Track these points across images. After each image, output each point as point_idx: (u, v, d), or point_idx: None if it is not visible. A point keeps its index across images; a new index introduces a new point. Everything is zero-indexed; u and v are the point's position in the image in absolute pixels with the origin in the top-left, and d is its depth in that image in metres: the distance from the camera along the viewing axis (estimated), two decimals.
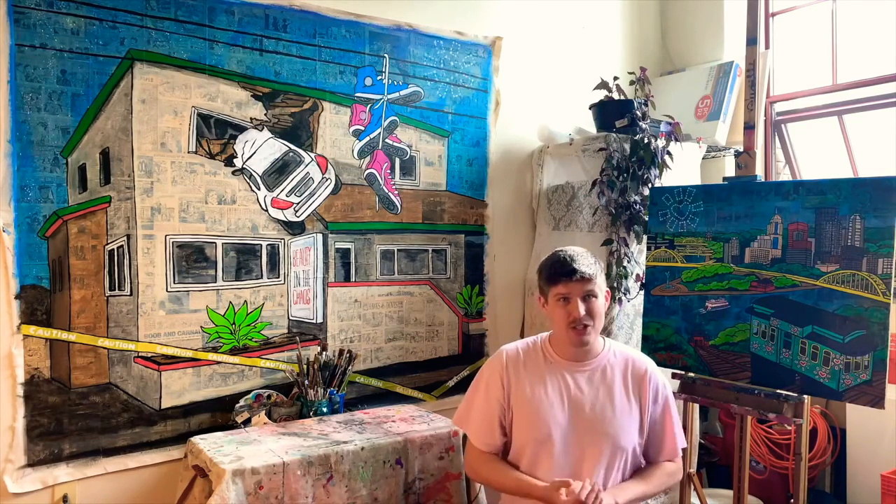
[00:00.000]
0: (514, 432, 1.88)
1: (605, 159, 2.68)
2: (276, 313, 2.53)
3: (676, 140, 2.80)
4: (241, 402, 2.42)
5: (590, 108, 2.92)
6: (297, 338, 2.56)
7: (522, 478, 1.81)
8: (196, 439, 2.20)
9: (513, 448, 1.89)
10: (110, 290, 2.23)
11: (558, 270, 1.80)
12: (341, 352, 2.57)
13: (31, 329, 2.11)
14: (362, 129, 2.69)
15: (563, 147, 2.96)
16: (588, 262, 1.81)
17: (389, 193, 2.77)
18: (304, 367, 2.46)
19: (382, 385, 2.77)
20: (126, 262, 2.25)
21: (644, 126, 2.70)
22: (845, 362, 1.91)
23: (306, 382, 2.46)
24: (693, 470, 2.42)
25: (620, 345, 1.98)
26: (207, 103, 2.37)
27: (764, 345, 2.09)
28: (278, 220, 2.53)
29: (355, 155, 2.68)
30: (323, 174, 2.61)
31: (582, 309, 1.78)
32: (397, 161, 2.78)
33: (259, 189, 2.48)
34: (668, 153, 2.73)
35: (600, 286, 1.83)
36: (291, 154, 2.54)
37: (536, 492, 1.75)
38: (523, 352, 1.93)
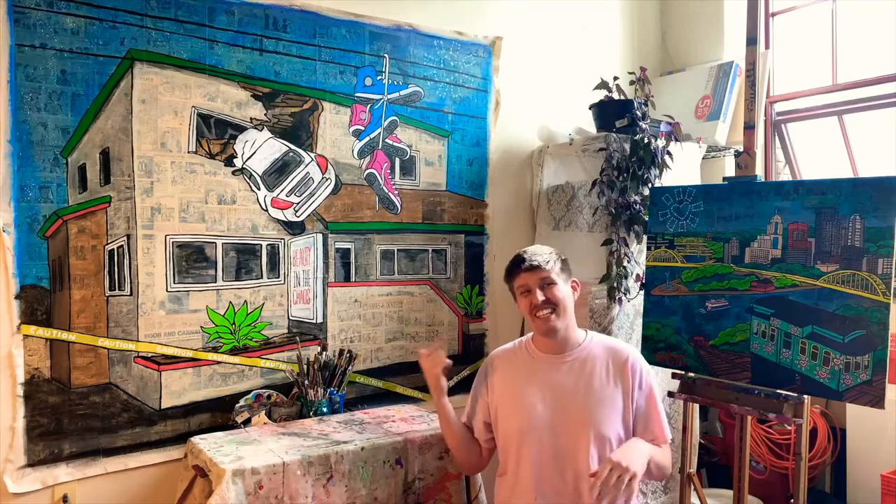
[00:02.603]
0: (500, 427, 1.96)
1: (605, 159, 2.68)
2: (276, 313, 2.53)
3: (676, 140, 2.79)
4: (241, 402, 2.42)
5: (590, 108, 2.92)
6: (297, 338, 2.56)
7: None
8: (196, 439, 2.20)
9: (499, 443, 1.97)
10: (110, 290, 2.23)
11: (513, 264, 1.97)
12: (341, 352, 2.57)
13: (31, 329, 2.11)
14: (362, 129, 2.69)
15: (563, 147, 2.96)
16: (542, 253, 1.94)
17: (389, 193, 2.77)
18: (304, 367, 2.46)
19: (382, 385, 2.77)
20: (126, 262, 2.25)
21: (644, 126, 2.70)
22: (845, 362, 1.91)
23: (306, 382, 2.46)
24: (693, 470, 2.42)
25: (603, 336, 2.06)
26: (207, 103, 2.37)
27: (764, 345, 2.09)
28: (278, 220, 2.53)
29: (355, 155, 2.68)
30: (323, 174, 2.61)
31: (540, 295, 1.88)
32: (397, 161, 2.78)
33: (259, 189, 2.48)
34: (668, 153, 2.73)
35: (558, 274, 1.92)
36: (291, 154, 2.54)
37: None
38: (510, 352, 2.04)
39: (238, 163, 2.44)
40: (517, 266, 1.94)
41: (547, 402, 1.88)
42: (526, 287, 1.92)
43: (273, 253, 2.52)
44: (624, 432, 1.89)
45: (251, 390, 2.46)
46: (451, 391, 2.91)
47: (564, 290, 1.91)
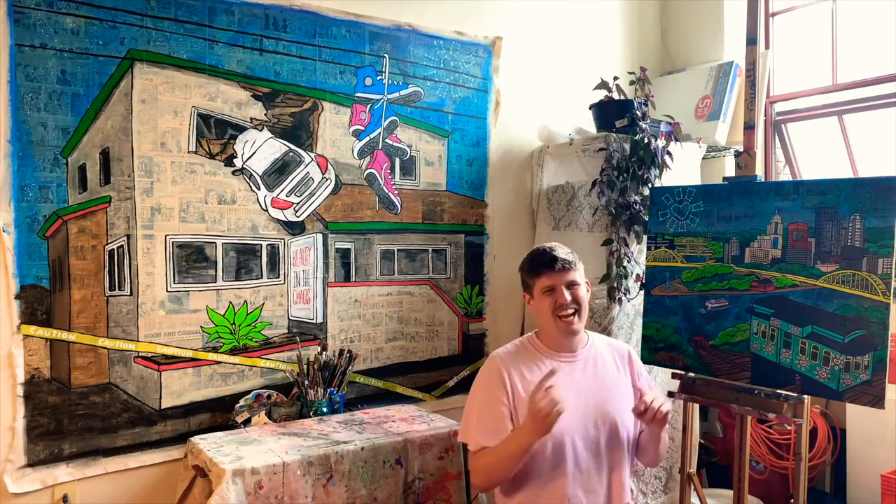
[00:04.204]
0: None
1: (605, 159, 2.68)
2: (276, 313, 2.53)
3: (676, 140, 2.80)
4: (241, 402, 2.42)
5: (590, 108, 2.92)
6: (297, 338, 2.56)
7: (508, 436, 1.75)
8: (196, 439, 2.20)
9: None
10: (110, 290, 2.23)
11: (540, 262, 1.88)
12: (341, 352, 2.57)
13: (31, 329, 2.11)
14: (362, 129, 2.69)
15: (563, 147, 2.96)
16: (566, 251, 1.90)
17: (389, 193, 2.77)
18: (304, 367, 2.46)
19: (382, 385, 2.77)
20: (126, 262, 2.25)
21: (644, 126, 2.70)
22: (845, 362, 1.91)
23: (306, 382, 2.46)
24: (693, 470, 2.42)
25: (598, 334, 2.05)
26: (207, 103, 2.37)
27: (764, 345, 2.09)
28: (278, 220, 2.53)
29: (355, 155, 2.68)
30: (323, 174, 2.61)
31: (567, 296, 1.84)
32: (397, 161, 2.78)
33: (259, 189, 2.48)
34: (668, 153, 2.73)
35: (582, 275, 1.90)
36: (291, 154, 2.54)
37: (523, 431, 1.70)
38: (516, 352, 1.92)
39: (238, 163, 2.44)
40: (547, 265, 1.85)
41: (573, 401, 1.79)
42: (552, 287, 1.85)
43: (273, 253, 2.52)
44: (633, 418, 1.88)
45: (251, 390, 2.46)
46: (451, 391, 2.94)
47: (584, 290, 1.89)
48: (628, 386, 1.94)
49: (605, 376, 1.91)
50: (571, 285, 1.85)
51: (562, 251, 1.88)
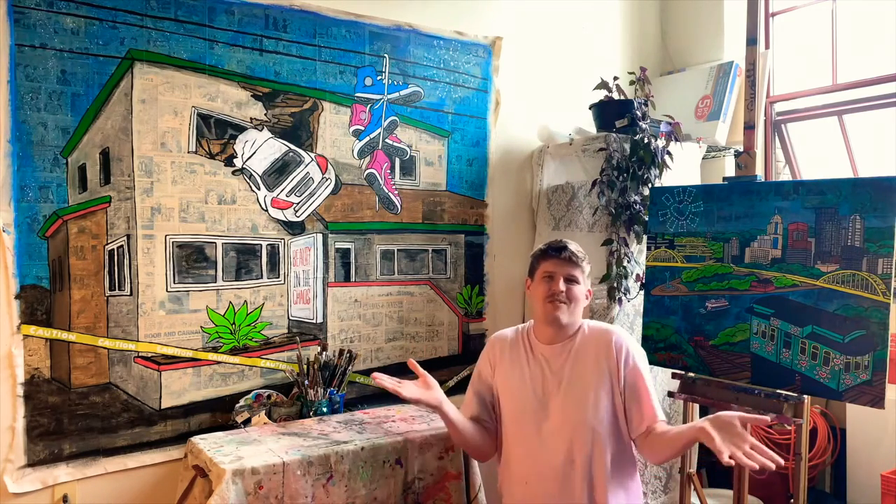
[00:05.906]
0: (499, 410, 2.03)
1: (605, 159, 2.68)
2: (276, 313, 2.53)
3: (676, 140, 2.79)
4: (241, 402, 2.42)
5: (590, 108, 2.92)
6: (297, 338, 2.56)
7: None
8: (196, 439, 2.20)
9: (500, 428, 2.03)
10: (110, 290, 2.23)
11: (550, 247, 1.96)
12: (341, 352, 2.57)
13: (31, 329, 2.11)
14: (362, 129, 2.69)
15: (563, 147, 2.96)
16: (579, 249, 1.97)
17: (389, 193, 2.77)
18: (304, 367, 2.46)
19: None
20: (126, 262, 2.25)
21: (644, 126, 2.70)
22: (845, 362, 1.91)
23: (306, 382, 2.46)
24: (693, 470, 2.42)
25: (594, 321, 2.06)
26: (207, 103, 2.37)
27: (764, 345, 2.09)
28: (278, 220, 2.53)
29: (355, 155, 2.68)
30: (323, 174, 2.61)
31: (562, 285, 1.91)
32: (397, 161, 2.79)
33: (259, 189, 2.48)
34: (668, 153, 2.73)
35: (584, 276, 1.95)
36: (291, 154, 2.54)
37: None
38: (511, 337, 2.07)
39: (238, 163, 2.44)
40: (556, 251, 1.94)
41: (539, 388, 1.93)
42: (551, 273, 1.92)
43: (273, 253, 2.52)
44: (612, 411, 1.88)
45: (251, 390, 2.46)
46: (451, 391, 2.93)
47: (582, 291, 1.95)
48: (604, 373, 1.89)
49: (581, 366, 1.92)
50: (571, 279, 1.92)
51: (574, 246, 1.96)
